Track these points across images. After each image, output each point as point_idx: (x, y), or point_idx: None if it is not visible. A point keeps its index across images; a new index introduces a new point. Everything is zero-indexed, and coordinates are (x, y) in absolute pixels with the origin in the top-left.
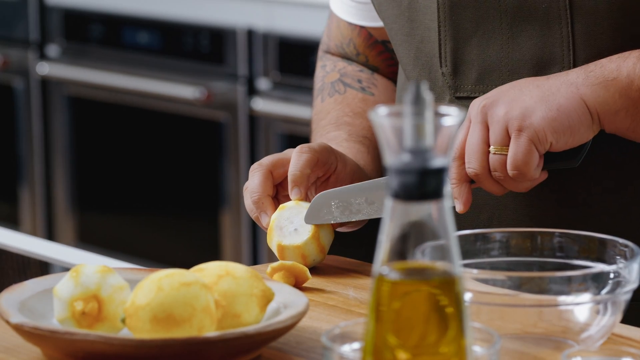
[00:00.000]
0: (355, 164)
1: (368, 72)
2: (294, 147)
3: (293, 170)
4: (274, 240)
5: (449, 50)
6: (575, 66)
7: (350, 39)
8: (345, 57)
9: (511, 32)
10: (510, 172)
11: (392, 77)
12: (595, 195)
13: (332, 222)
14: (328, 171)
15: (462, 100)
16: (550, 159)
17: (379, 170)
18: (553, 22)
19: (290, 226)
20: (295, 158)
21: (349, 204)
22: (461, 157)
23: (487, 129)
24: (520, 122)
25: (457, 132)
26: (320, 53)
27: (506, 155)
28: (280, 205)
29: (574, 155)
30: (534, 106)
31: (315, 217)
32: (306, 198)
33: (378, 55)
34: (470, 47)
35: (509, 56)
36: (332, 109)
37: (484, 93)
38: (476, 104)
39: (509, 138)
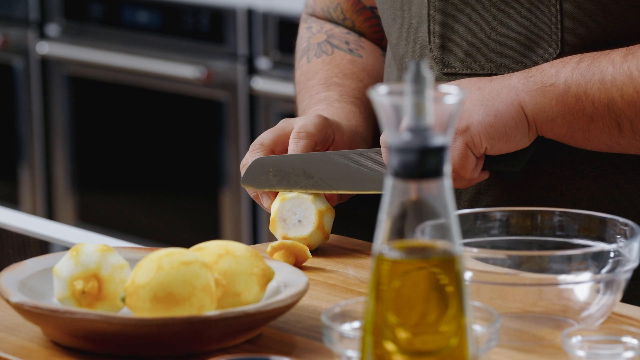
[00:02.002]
0: (352, 132)
1: (355, 35)
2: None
3: None
4: (278, 232)
5: (438, 26)
6: (563, 45)
7: (337, 4)
8: (331, 21)
9: (500, 9)
10: None
11: (377, 42)
12: (587, 179)
13: (268, 189)
14: (325, 144)
15: (450, 76)
16: (491, 162)
17: (372, 130)
18: (542, 0)
19: (294, 218)
20: (293, 145)
21: (286, 173)
22: None
23: None
24: (456, 125)
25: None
26: (304, 15)
27: None
28: (281, 195)
29: (516, 161)
30: (472, 110)
31: (252, 182)
32: None
33: (365, 21)
34: (459, 23)
35: (497, 33)
36: (320, 70)
37: (471, 70)
38: None
39: None
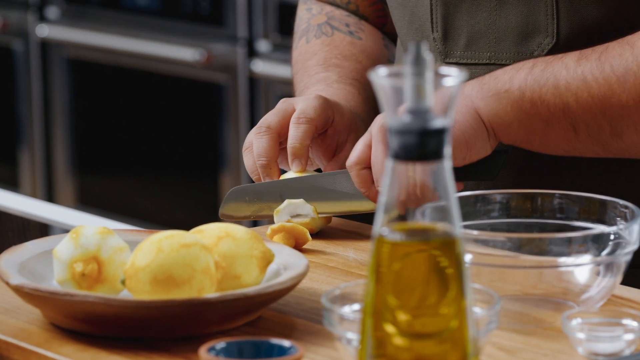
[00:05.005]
0: (352, 114)
1: (355, 18)
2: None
3: (292, 142)
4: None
5: (440, 15)
6: (559, 36)
7: None
8: (332, 4)
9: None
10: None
11: (379, 27)
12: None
13: (251, 218)
14: (325, 126)
15: (452, 66)
16: (463, 173)
17: (370, 111)
18: None
19: None
20: (294, 129)
21: (263, 200)
22: (360, 163)
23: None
24: None
25: (357, 143)
26: None
27: None
28: (282, 178)
29: (488, 170)
30: None
31: (231, 213)
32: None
33: (370, 6)
34: (460, 13)
35: (496, 24)
36: (319, 50)
37: (471, 60)
38: (376, 123)
39: None
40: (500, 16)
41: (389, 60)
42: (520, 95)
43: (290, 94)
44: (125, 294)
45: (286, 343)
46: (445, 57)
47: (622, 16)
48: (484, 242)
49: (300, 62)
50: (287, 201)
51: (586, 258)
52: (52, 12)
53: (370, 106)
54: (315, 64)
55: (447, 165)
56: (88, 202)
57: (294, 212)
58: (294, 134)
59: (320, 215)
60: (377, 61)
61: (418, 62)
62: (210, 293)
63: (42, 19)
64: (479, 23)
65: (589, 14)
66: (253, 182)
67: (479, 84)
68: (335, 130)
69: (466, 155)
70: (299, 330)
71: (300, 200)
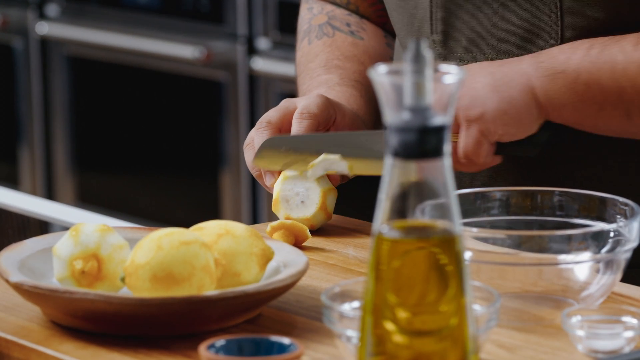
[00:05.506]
0: (353, 113)
1: (356, 16)
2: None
3: None
4: (281, 212)
5: (440, 17)
6: (562, 38)
7: None
8: (333, 3)
9: (501, 1)
10: (461, 159)
11: (381, 26)
12: (594, 155)
13: (281, 169)
14: (327, 125)
15: None
16: (505, 147)
17: (373, 113)
18: None
19: (297, 198)
20: (296, 124)
21: (298, 152)
22: None
23: None
24: (470, 113)
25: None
26: None
27: (455, 142)
28: (282, 175)
29: (530, 146)
30: (485, 96)
31: (264, 162)
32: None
33: (370, 6)
34: (461, 15)
35: (498, 25)
36: (321, 52)
37: (471, 61)
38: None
39: (458, 125)
40: (502, 18)
41: (391, 59)
42: (576, 77)
43: (290, 92)
44: (125, 292)
45: (286, 340)
46: (445, 59)
47: (626, 17)
48: (484, 240)
49: (303, 64)
50: (323, 155)
51: (586, 255)
52: (52, 9)
53: (373, 107)
54: (317, 66)
55: (447, 162)
56: (88, 199)
57: (329, 167)
58: (297, 128)
59: (353, 175)
60: (379, 60)
61: (418, 59)
62: (210, 290)
63: (42, 16)
64: (480, 25)
65: (593, 15)
66: (254, 178)
67: (535, 62)
68: (337, 129)
69: (516, 132)
70: (298, 327)
71: (337, 156)
